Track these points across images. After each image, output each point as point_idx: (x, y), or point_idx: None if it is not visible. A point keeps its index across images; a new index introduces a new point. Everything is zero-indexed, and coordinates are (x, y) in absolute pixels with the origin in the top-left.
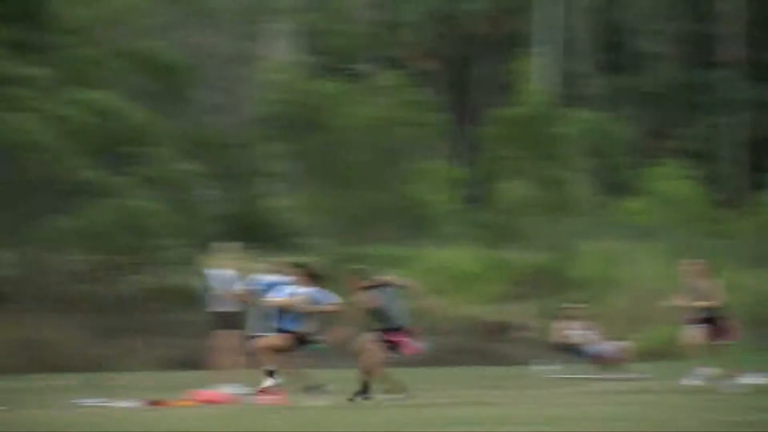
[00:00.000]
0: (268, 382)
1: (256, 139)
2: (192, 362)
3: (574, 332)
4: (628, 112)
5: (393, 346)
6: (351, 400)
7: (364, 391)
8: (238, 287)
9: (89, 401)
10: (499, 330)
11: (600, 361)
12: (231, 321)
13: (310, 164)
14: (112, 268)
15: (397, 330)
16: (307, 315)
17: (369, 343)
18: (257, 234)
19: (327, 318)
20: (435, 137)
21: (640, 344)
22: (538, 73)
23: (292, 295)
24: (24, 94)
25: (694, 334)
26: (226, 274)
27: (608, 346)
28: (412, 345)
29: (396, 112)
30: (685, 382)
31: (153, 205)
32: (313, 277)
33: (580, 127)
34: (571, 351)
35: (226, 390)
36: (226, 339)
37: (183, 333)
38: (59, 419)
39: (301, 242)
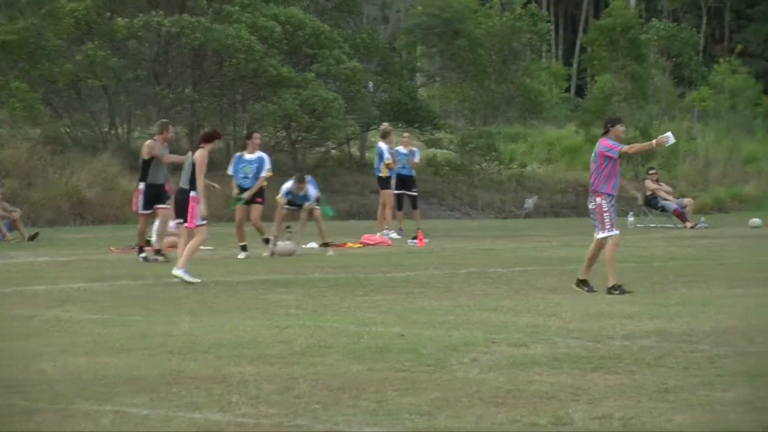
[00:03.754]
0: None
1: (407, 43)
2: (357, 214)
3: (657, 191)
4: (694, 21)
5: None
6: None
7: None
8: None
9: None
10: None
11: (674, 213)
12: (388, 182)
13: (450, 63)
14: (297, 142)
15: None
16: None
17: None
18: (407, 117)
19: None
20: (546, 42)
21: (701, 200)
22: None
23: None
24: (233, 10)
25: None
26: (389, 147)
27: (679, 202)
28: None
29: (517, 23)
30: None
31: (329, 94)
32: None
33: (658, 34)
34: (654, 205)
35: (387, 236)
36: (389, 197)
37: (351, 191)
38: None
39: (442, 123)
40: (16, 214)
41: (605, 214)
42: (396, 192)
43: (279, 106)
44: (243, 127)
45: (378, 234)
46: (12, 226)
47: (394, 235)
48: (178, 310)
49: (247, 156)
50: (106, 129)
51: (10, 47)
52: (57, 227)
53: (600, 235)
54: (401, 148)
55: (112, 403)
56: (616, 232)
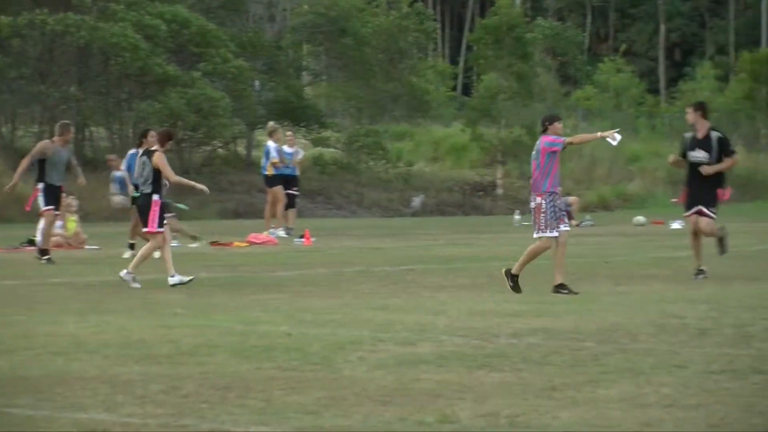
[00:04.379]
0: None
1: (294, 42)
2: (244, 213)
3: None
4: (579, 21)
5: None
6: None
7: None
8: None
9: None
10: (483, 188)
11: None
12: (279, 182)
13: (337, 61)
14: (184, 141)
15: None
16: None
17: None
18: (294, 115)
19: None
20: (433, 40)
21: (586, 199)
22: None
23: None
24: (118, 9)
25: None
26: (278, 146)
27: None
28: None
29: (403, 21)
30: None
31: (215, 93)
32: None
33: (544, 33)
34: None
35: (272, 234)
36: (279, 194)
37: (237, 190)
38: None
39: (329, 122)
40: None
41: (542, 215)
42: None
43: (165, 104)
44: (129, 125)
45: (265, 233)
46: None
47: (282, 233)
48: (63, 310)
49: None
50: None
51: None
52: None
53: (536, 234)
54: (286, 147)
55: None
56: (550, 234)
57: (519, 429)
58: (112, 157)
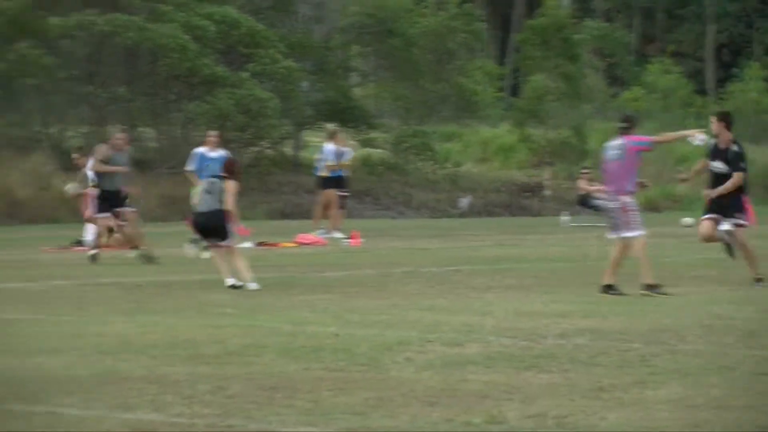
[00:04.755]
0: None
1: (343, 42)
2: (291, 214)
3: (588, 190)
4: (627, 21)
5: None
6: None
7: None
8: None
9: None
10: (530, 189)
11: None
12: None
13: (385, 62)
14: (232, 141)
15: None
16: None
17: None
18: (342, 116)
19: None
20: (481, 41)
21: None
22: None
23: None
24: (167, 9)
25: None
26: (337, 149)
27: None
28: None
29: (451, 22)
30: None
31: (263, 93)
32: None
33: (591, 34)
34: (588, 205)
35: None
36: (327, 196)
37: (285, 191)
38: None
39: (376, 122)
40: None
41: (632, 214)
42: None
43: (213, 105)
44: (177, 126)
45: (313, 233)
46: None
47: (337, 236)
48: (112, 310)
49: (211, 154)
50: (39, 128)
51: None
52: None
53: (627, 234)
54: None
55: (46, 403)
56: (644, 231)
57: (566, 430)
58: (76, 155)
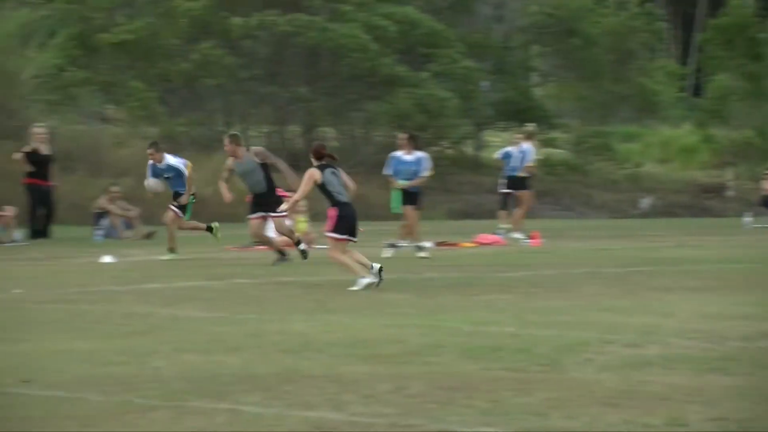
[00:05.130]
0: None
1: (523, 42)
2: (472, 214)
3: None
4: None
5: None
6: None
7: None
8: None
9: (399, 243)
10: (712, 190)
11: None
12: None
13: (565, 62)
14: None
15: None
16: None
17: None
18: (522, 116)
19: None
20: (662, 41)
21: None
22: None
23: None
24: (348, 10)
25: None
26: (529, 147)
27: None
28: None
29: (632, 22)
30: None
31: (443, 93)
32: None
33: None
34: None
35: (508, 235)
36: (527, 197)
37: (465, 191)
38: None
39: (556, 122)
40: (134, 212)
41: None
42: (504, 191)
43: (393, 105)
44: (358, 126)
45: (498, 232)
46: (129, 224)
47: (518, 235)
48: (293, 309)
49: (406, 157)
50: (222, 128)
51: (128, 46)
52: None
53: None
54: (512, 148)
55: (226, 401)
56: None
57: None
58: (151, 150)
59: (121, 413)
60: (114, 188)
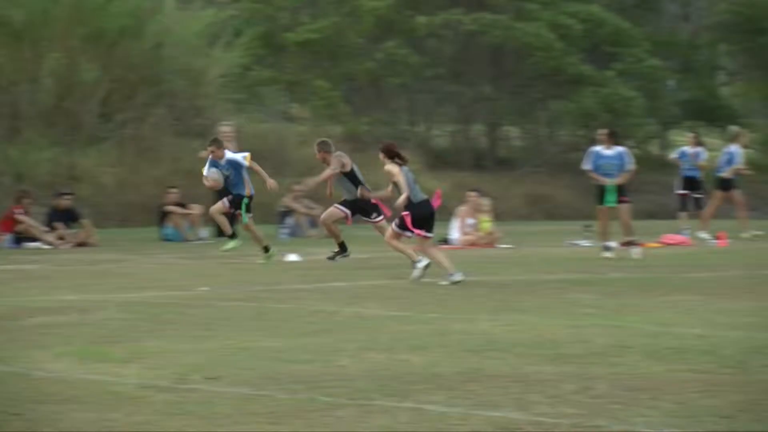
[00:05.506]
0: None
1: (709, 41)
2: (657, 214)
3: None
4: None
5: None
6: None
7: None
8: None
9: (581, 243)
10: None
11: None
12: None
13: (753, 60)
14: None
15: None
16: None
17: None
18: (709, 116)
19: None
20: None
21: None
22: None
23: None
24: (533, 8)
25: None
26: (736, 149)
27: None
28: None
29: None
30: None
31: (628, 92)
32: None
33: None
34: None
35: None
36: (727, 197)
37: (650, 190)
38: (553, 254)
39: (744, 122)
40: (318, 211)
41: None
42: (681, 192)
43: (578, 104)
44: (542, 125)
45: (684, 232)
46: (314, 222)
47: (704, 235)
48: (478, 309)
49: (606, 152)
50: (406, 127)
51: (313, 46)
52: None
53: None
54: (688, 148)
55: (411, 400)
56: None
57: None
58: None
59: (307, 411)
60: (297, 187)
